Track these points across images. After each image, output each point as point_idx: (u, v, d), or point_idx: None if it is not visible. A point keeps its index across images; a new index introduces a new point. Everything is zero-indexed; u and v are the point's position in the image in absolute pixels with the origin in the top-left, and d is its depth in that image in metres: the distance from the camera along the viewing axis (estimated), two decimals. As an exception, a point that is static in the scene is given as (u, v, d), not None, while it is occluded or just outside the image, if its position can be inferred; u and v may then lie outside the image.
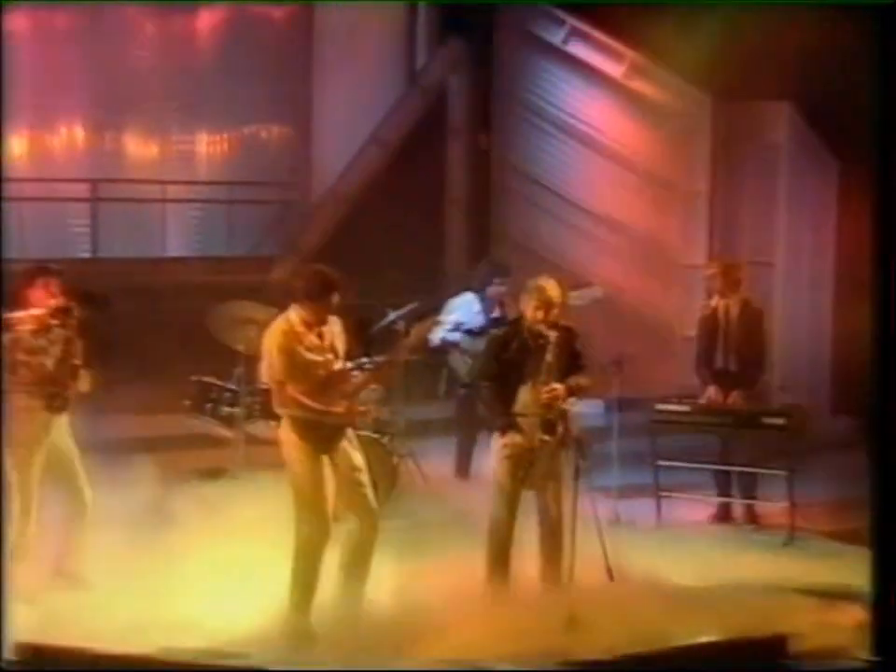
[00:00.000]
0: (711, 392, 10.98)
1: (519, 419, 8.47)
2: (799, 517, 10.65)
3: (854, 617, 8.40)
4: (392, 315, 10.68)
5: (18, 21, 15.23)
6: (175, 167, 16.13)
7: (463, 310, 11.41)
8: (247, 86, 15.99)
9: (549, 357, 8.42)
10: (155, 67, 15.85)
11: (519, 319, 8.71)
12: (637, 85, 14.66)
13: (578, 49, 14.90)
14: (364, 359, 9.03)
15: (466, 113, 15.74)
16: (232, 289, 11.44)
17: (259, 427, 10.46)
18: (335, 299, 8.04)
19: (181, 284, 14.10)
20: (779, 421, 10.68)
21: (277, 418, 8.33)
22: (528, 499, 8.63)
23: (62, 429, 8.96)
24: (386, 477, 10.01)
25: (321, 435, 8.04)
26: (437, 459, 11.51)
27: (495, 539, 8.59)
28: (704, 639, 7.60)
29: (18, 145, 15.67)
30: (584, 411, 9.64)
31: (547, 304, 8.46)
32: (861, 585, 8.66)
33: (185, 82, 15.97)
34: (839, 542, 10.35)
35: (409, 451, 10.96)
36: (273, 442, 8.63)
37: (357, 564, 8.18)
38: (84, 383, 8.95)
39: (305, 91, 16.12)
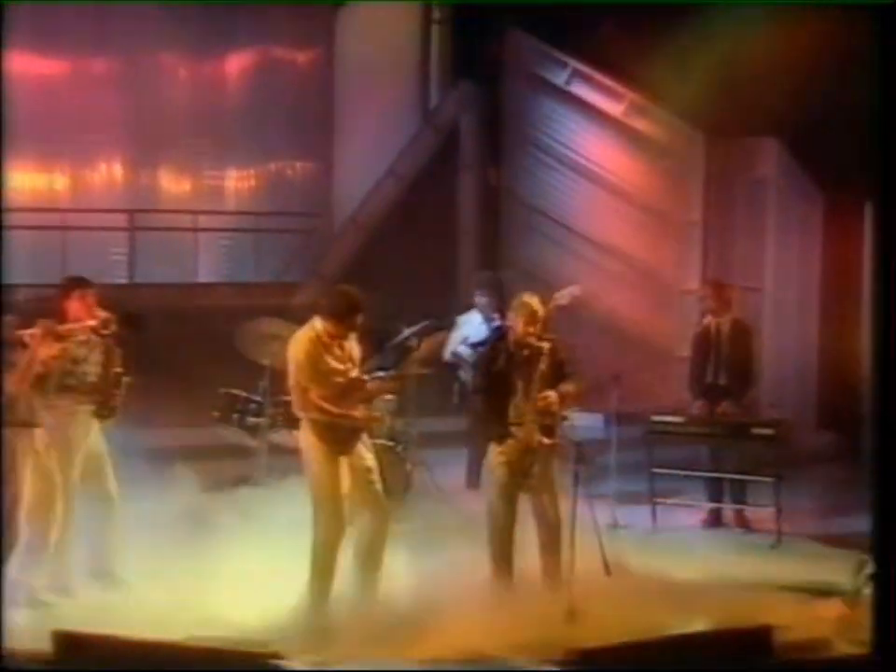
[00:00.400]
0: (703, 404, 11.01)
1: (513, 427, 8.51)
2: (785, 522, 10.64)
3: (835, 611, 8.43)
4: (406, 332, 10.69)
5: (60, 67, 15.37)
6: (206, 200, 16.18)
7: (469, 325, 11.46)
8: (273, 125, 16.06)
9: (542, 366, 8.46)
10: (187, 108, 15.94)
11: (505, 335, 8.77)
12: (636, 123, 14.67)
13: (580, 90, 14.92)
14: (379, 372, 9.05)
15: (476, 149, 15.76)
16: (259, 312, 11.42)
17: (282, 436, 10.45)
18: (359, 319, 8.11)
19: (211, 307, 14.12)
20: (767, 431, 10.69)
21: (298, 427, 8.39)
22: (526, 501, 8.65)
23: (96, 433, 8.99)
24: (399, 482, 10.02)
25: (338, 438, 8.08)
26: (449, 469, 11.50)
27: (496, 540, 8.58)
28: (693, 630, 7.61)
29: (61, 180, 15.77)
30: (585, 424, 9.68)
31: (533, 318, 8.52)
32: (842, 583, 8.72)
33: (215, 122, 16.03)
34: (823, 545, 10.38)
35: (421, 460, 10.96)
36: (294, 451, 8.69)
37: (371, 558, 8.21)
38: (126, 391, 9.00)
39: (327, 129, 16.18)
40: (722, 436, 10.85)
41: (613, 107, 14.77)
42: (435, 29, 16.18)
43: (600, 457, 10.79)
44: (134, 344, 9.07)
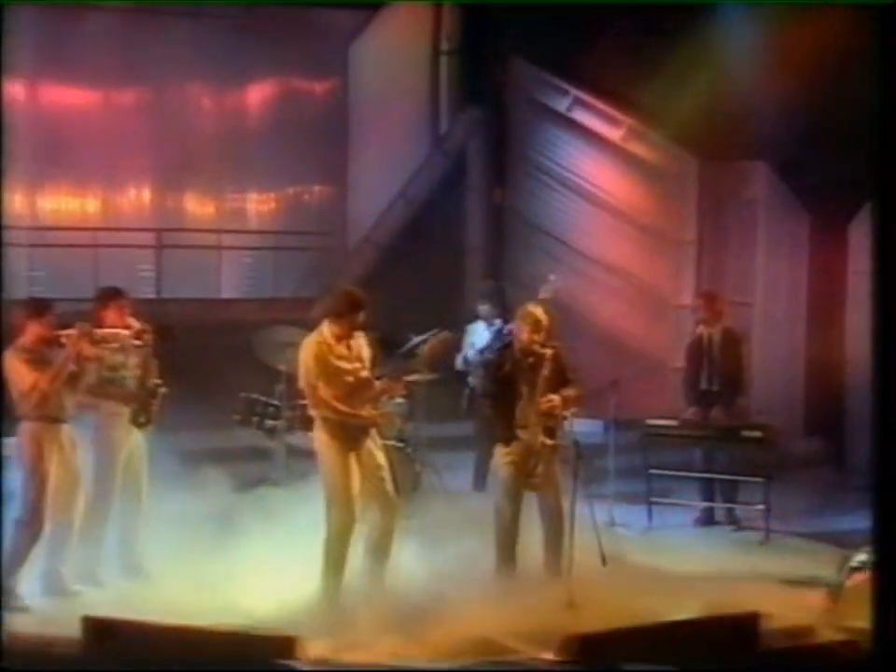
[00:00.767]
0: (696, 410, 11.03)
1: (519, 430, 8.54)
2: (774, 521, 10.64)
3: (820, 601, 8.44)
4: (415, 340, 10.73)
5: (92, 98, 15.45)
6: (229, 221, 16.22)
7: (474, 333, 11.49)
8: (292, 151, 16.06)
9: (545, 371, 8.52)
10: (212, 136, 15.96)
11: (511, 344, 8.83)
12: (634, 148, 14.65)
13: (581, 116, 14.91)
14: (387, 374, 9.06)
15: (482, 172, 15.80)
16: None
17: (298, 438, 10.47)
18: (361, 316, 8.16)
19: (234, 321, 14.14)
20: (756, 434, 10.73)
21: (313, 429, 8.42)
22: (530, 499, 8.69)
23: (137, 433, 9.03)
24: (408, 482, 10.02)
25: (348, 435, 8.14)
26: (456, 471, 11.49)
27: (502, 535, 8.63)
28: (684, 616, 7.61)
29: (93, 203, 15.82)
30: (585, 429, 9.70)
31: (538, 326, 8.58)
32: (826, 576, 8.73)
33: (238, 148, 16.03)
34: (809, 541, 10.38)
35: (430, 462, 10.96)
36: (310, 452, 8.72)
37: (380, 550, 8.26)
38: (162, 401, 9.05)
39: (342, 154, 16.20)
40: (714, 438, 10.88)
41: (612, 133, 14.74)
42: (444, 59, 16.19)
43: (599, 461, 10.83)
44: (165, 355, 9.14)
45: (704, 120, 13.21)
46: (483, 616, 7.81)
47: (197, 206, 16.29)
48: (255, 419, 10.79)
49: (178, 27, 15.35)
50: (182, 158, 15.80)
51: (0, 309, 8.55)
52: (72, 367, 8.40)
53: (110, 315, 8.90)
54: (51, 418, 8.39)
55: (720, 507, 11.09)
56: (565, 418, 8.63)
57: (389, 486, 8.33)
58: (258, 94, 16.28)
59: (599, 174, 14.98)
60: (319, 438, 8.19)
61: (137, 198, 16.03)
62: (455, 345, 11.40)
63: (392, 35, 15.99)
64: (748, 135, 13.40)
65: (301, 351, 8.23)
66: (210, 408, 11.81)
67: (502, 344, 9.48)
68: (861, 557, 8.45)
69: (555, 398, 8.49)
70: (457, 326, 11.86)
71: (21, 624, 7.80)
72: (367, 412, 8.22)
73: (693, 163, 14.34)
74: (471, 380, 11.25)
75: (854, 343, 12.93)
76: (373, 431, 8.38)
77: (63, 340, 8.35)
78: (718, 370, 11.03)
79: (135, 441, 8.98)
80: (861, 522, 9.66)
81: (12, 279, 13.89)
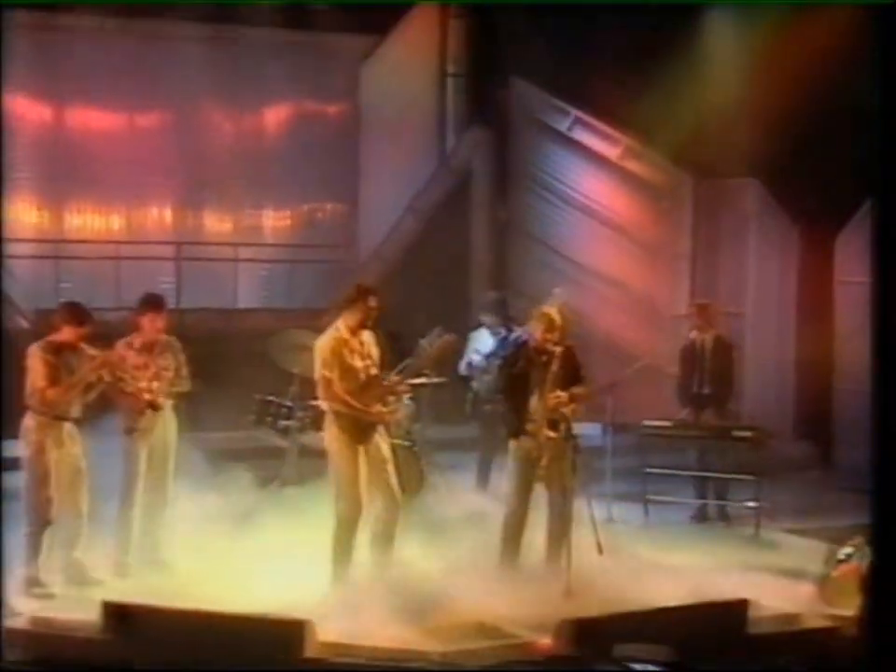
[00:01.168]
0: (690, 411, 11.04)
1: (528, 424, 8.56)
2: (764, 518, 10.64)
3: (807, 591, 8.45)
4: (422, 342, 10.72)
5: (116, 120, 15.52)
6: (245, 237, 16.23)
7: (478, 339, 11.50)
8: (306, 170, 16.09)
9: (555, 367, 8.55)
10: (230, 156, 15.95)
11: (524, 342, 8.86)
12: (631, 165, 14.68)
13: (581, 135, 14.94)
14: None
15: (487, 188, 15.80)
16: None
17: (310, 438, 10.49)
18: (372, 302, 8.23)
19: (250, 330, 14.15)
20: (747, 434, 10.73)
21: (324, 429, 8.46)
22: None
23: (169, 426, 9.04)
24: (414, 479, 10.02)
25: (357, 430, 8.19)
26: (460, 471, 11.50)
27: (508, 526, 8.65)
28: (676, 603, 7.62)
29: (117, 219, 15.86)
30: (584, 433, 9.70)
31: (552, 326, 8.62)
32: (813, 568, 8.73)
33: (254, 168, 16.02)
34: (797, 537, 10.37)
35: (435, 460, 10.98)
36: (321, 452, 8.74)
37: (384, 540, 8.28)
38: (186, 384, 9.08)
39: (353, 172, 16.21)
40: (707, 438, 10.89)
41: (610, 151, 14.76)
42: (450, 81, 16.24)
43: (597, 462, 10.84)
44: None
45: (698, 140, 13.22)
46: (485, 604, 7.84)
47: (216, 223, 16.28)
48: (269, 419, 10.81)
49: (198, 52, 15.37)
50: (202, 176, 15.81)
51: (1, 312, 8.60)
52: (88, 379, 8.46)
53: (144, 321, 8.93)
54: (55, 416, 8.43)
55: (712, 504, 11.07)
56: (571, 415, 8.60)
57: (394, 480, 8.36)
58: (274, 116, 16.30)
59: (598, 190, 15.00)
60: (330, 432, 8.24)
61: (159, 215, 16.06)
62: (459, 350, 11.40)
63: (401, 59, 15.99)
64: (740, 154, 13.39)
65: (317, 344, 8.30)
66: (227, 411, 11.83)
67: (507, 351, 9.49)
68: (847, 550, 8.47)
69: (562, 394, 8.53)
70: (462, 334, 11.85)
71: (44, 610, 7.88)
72: (376, 408, 8.26)
73: (687, 180, 14.39)
74: (475, 384, 11.26)
75: (842, 351, 12.96)
76: (381, 427, 8.41)
77: (88, 358, 8.39)
78: (709, 373, 11.05)
79: (160, 436, 9.00)
80: (847, 520, 9.77)
81: (42, 290, 14.18)
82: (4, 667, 6.97)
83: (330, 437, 8.23)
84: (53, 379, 8.33)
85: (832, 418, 13.24)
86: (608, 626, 7.20)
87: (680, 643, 6.84)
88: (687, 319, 11.57)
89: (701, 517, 11.08)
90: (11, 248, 14.38)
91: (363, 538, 8.31)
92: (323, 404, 8.32)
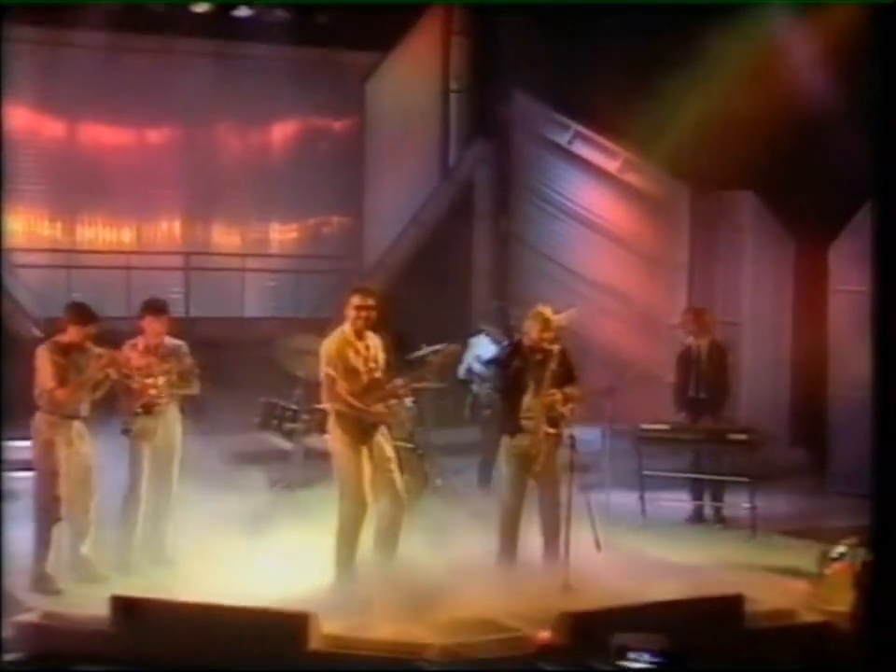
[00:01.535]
0: (686, 414, 11.04)
1: (524, 422, 8.56)
2: (759, 521, 10.62)
3: (801, 587, 8.45)
4: (425, 350, 10.75)
5: (128, 136, 15.57)
6: (253, 249, 16.29)
7: (478, 346, 11.52)
8: (312, 183, 16.13)
9: (552, 366, 8.55)
10: (238, 170, 16.00)
11: (519, 343, 8.87)
12: (630, 178, 14.69)
13: (580, 149, 14.96)
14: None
15: (489, 201, 15.84)
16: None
17: (314, 440, 10.48)
18: (355, 300, 8.21)
19: (257, 338, 14.14)
20: (742, 437, 10.73)
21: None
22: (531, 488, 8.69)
23: (174, 427, 9.05)
24: (419, 480, 10.02)
25: (360, 429, 8.18)
26: (462, 474, 11.52)
27: (505, 522, 8.63)
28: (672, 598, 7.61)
29: (128, 232, 15.90)
30: (584, 437, 9.69)
31: (547, 325, 8.63)
32: (807, 566, 8.72)
33: (263, 182, 16.07)
34: (792, 538, 10.35)
35: (438, 462, 10.96)
36: (325, 454, 8.74)
37: (388, 538, 8.26)
38: (194, 387, 9.07)
39: (358, 184, 16.23)
40: (702, 441, 10.89)
41: (610, 164, 14.78)
42: (453, 97, 16.26)
43: (596, 464, 10.84)
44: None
45: (695, 153, 13.23)
46: (486, 599, 7.82)
47: (224, 236, 16.31)
48: (274, 422, 10.79)
49: (207, 69, 15.43)
50: (210, 191, 15.86)
51: (1, 318, 8.62)
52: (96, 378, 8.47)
53: (149, 324, 8.95)
54: (64, 415, 8.43)
55: (709, 506, 11.05)
56: (566, 413, 8.60)
57: (398, 480, 8.35)
58: (281, 131, 16.35)
59: (598, 202, 15.02)
60: (333, 432, 8.24)
61: (169, 228, 16.10)
62: (460, 356, 11.42)
63: (404, 75, 16.04)
64: (735, 166, 13.40)
65: (324, 344, 8.31)
66: (234, 415, 11.83)
67: (503, 351, 9.49)
68: (840, 549, 8.46)
69: (557, 392, 8.52)
70: (463, 341, 11.87)
71: (54, 605, 7.88)
72: (377, 408, 8.26)
73: (684, 193, 14.39)
74: (475, 388, 11.26)
75: (836, 359, 12.94)
76: (384, 428, 8.41)
77: (95, 357, 8.41)
78: (705, 378, 11.07)
79: (164, 437, 9.00)
80: (841, 522, 9.77)
81: (54, 299, 14.19)
82: (4, 667, 6.95)
83: (334, 437, 8.24)
84: (62, 379, 8.35)
85: (826, 425, 13.20)
86: (605, 619, 7.19)
87: (677, 637, 6.84)
88: (682, 327, 11.55)
89: (697, 519, 11.06)
90: (24, 258, 14.55)
91: (367, 535, 8.29)
92: (326, 405, 8.32)
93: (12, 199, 14.51)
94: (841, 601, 7.86)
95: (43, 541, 8.36)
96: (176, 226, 16.12)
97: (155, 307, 9.11)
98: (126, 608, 7.31)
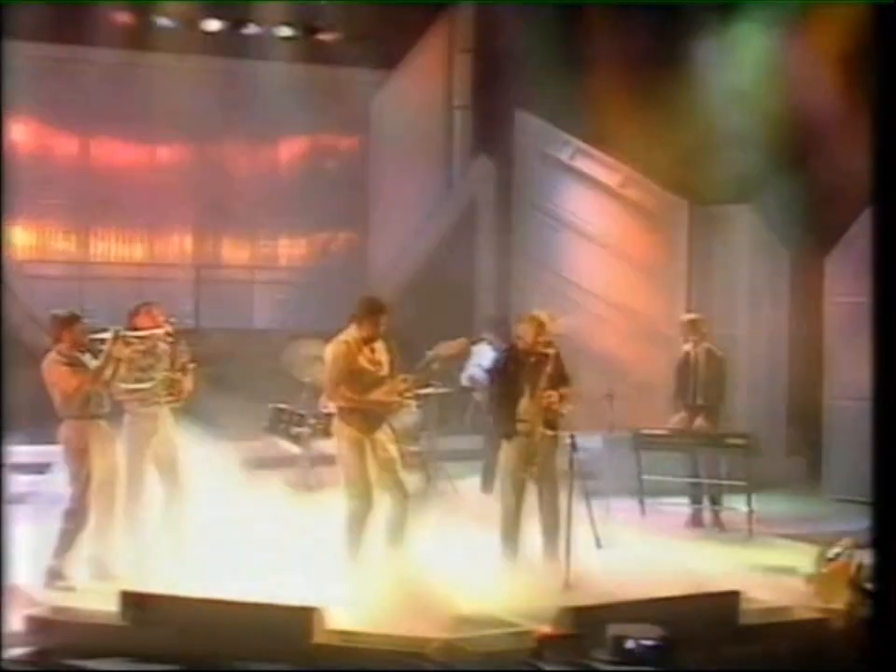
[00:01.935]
0: (683, 418, 11.05)
1: (520, 424, 8.56)
2: (757, 524, 10.59)
3: (797, 586, 8.43)
4: (430, 355, 10.78)
5: (140, 154, 15.62)
6: (262, 262, 16.33)
7: (480, 354, 11.53)
8: (319, 200, 16.12)
9: (549, 368, 8.55)
10: (247, 186, 16.02)
11: (513, 347, 8.88)
12: (630, 193, 14.72)
13: (582, 164, 14.98)
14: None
15: (492, 216, 15.83)
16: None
17: (321, 444, 10.48)
18: (384, 319, 8.23)
19: (266, 350, 14.14)
20: (740, 441, 10.73)
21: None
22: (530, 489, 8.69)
23: (174, 426, 9.06)
24: (423, 482, 10.03)
25: (364, 424, 8.16)
26: (465, 478, 11.50)
27: (506, 522, 8.63)
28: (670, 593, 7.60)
29: (140, 245, 15.94)
30: (584, 445, 9.69)
31: (542, 329, 8.64)
32: (804, 566, 8.70)
33: (270, 197, 16.09)
34: (789, 540, 10.33)
35: (442, 466, 10.97)
36: (331, 458, 8.73)
37: (394, 534, 8.25)
38: (191, 381, 9.08)
39: (364, 200, 16.25)
40: (700, 445, 10.88)
41: (611, 179, 14.81)
42: (456, 113, 16.26)
43: (596, 468, 10.83)
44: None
45: (693, 168, 13.27)
46: (488, 596, 7.82)
47: (233, 251, 16.35)
48: (281, 426, 10.82)
49: (217, 86, 15.48)
50: (221, 207, 15.88)
51: (1, 324, 8.64)
52: (112, 367, 8.49)
53: (143, 320, 8.99)
54: (92, 415, 8.46)
55: (707, 510, 11.03)
56: (564, 413, 8.61)
57: (403, 478, 8.34)
58: (288, 148, 16.38)
59: (599, 217, 15.04)
60: (337, 428, 8.25)
61: (180, 243, 16.15)
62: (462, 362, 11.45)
63: (409, 92, 16.05)
64: (732, 181, 13.44)
65: (328, 348, 8.31)
66: (243, 422, 11.84)
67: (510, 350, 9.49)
68: (836, 550, 8.45)
69: (554, 393, 8.52)
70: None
71: (67, 601, 7.87)
72: (375, 396, 8.21)
73: (683, 207, 14.41)
74: (476, 396, 11.28)
75: (832, 368, 12.94)
76: (388, 429, 8.40)
77: (101, 344, 8.46)
78: (702, 384, 11.08)
79: (169, 431, 9.01)
80: (837, 527, 9.77)
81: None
82: (4, 668, 6.94)
83: (338, 433, 8.24)
84: (78, 380, 8.36)
85: (822, 433, 13.19)
86: (604, 614, 7.18)
87: (674, 632, 6.84)
88: (680, 334, 11.56)
89: (696, 522, 11.03)
90: (38, 270, 14.60)
91: (373, 532, 8.28)
92: (330, 405, 8.31)
93: (28, 213, 14.66)
94: (837, 599, 7.86)
95: (68, 542, 8.36)
96: (188, 240, 16.18)
97: (139, 307, 9.15)
98: (136, 602, 7.30)
